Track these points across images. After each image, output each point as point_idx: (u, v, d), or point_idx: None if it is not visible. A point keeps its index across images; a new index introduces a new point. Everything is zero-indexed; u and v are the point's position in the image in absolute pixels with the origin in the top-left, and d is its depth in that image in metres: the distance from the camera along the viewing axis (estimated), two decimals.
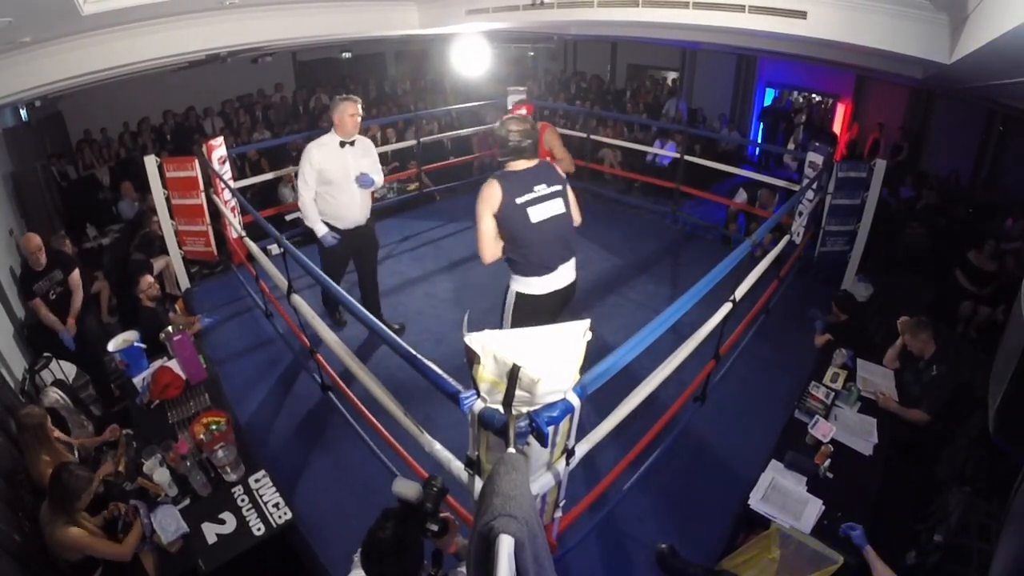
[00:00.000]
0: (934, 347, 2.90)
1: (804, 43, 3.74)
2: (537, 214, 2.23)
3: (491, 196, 2.21)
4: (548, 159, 3.04)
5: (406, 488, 1.31)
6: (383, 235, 5.27)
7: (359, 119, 3.16)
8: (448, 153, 7.09)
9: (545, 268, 2.31)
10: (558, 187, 2.31)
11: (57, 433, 2.74)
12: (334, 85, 9.79)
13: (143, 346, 3.20)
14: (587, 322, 1.34)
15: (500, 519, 0.93)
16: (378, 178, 3.35)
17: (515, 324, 2.41)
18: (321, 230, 3.27)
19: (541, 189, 2.26)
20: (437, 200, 6.23)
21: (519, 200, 2.21)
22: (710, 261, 2.47)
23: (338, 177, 3.16)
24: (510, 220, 2.22)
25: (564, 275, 2.38)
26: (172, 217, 4.20)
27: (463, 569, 1.41)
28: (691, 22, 3.51)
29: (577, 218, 2.42)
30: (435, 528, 1.31)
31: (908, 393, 2.91)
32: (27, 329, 3.88)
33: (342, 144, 3.14)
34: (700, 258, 4.78)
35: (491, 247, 2.27)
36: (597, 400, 1.60)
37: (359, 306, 2.09)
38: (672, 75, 9.68)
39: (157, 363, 3.11)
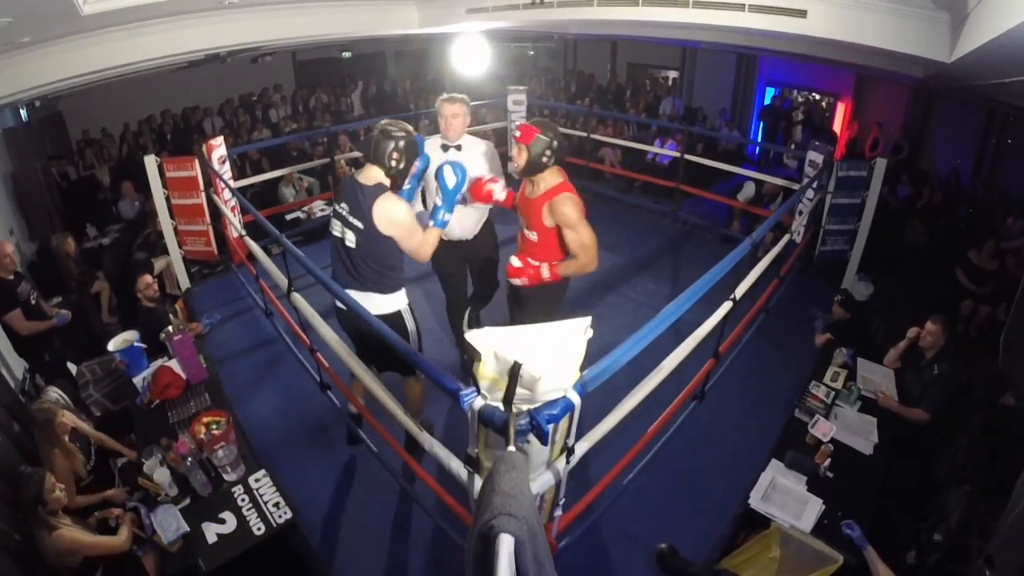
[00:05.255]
0: (943, 342, 2.90)
1: (804, 42, 3.75)
2: None
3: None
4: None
5: None
6: None
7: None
8: None
9: None
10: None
11: (75, 423, 2.74)
12: (334, 85, 9.79)
13: (143, 346, 3.20)
14: (587, 319, 1.34)
15: (500, 518, 0.93)
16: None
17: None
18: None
19: None
20: None
21: None
22: (710, 260, 2.47)
23: None
24: None
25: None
26: (172, 217, 4.20)
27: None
28: (691, 21, 3.51)
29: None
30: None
31: (909, 392, 2.91)
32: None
33: None
34: (700, 257, 4.77)
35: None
36: (597, 398, 1.60)
37: (358, 303, 2.08)
38: (672, 74, 9.68)
39: (157, 363, 3.11)
